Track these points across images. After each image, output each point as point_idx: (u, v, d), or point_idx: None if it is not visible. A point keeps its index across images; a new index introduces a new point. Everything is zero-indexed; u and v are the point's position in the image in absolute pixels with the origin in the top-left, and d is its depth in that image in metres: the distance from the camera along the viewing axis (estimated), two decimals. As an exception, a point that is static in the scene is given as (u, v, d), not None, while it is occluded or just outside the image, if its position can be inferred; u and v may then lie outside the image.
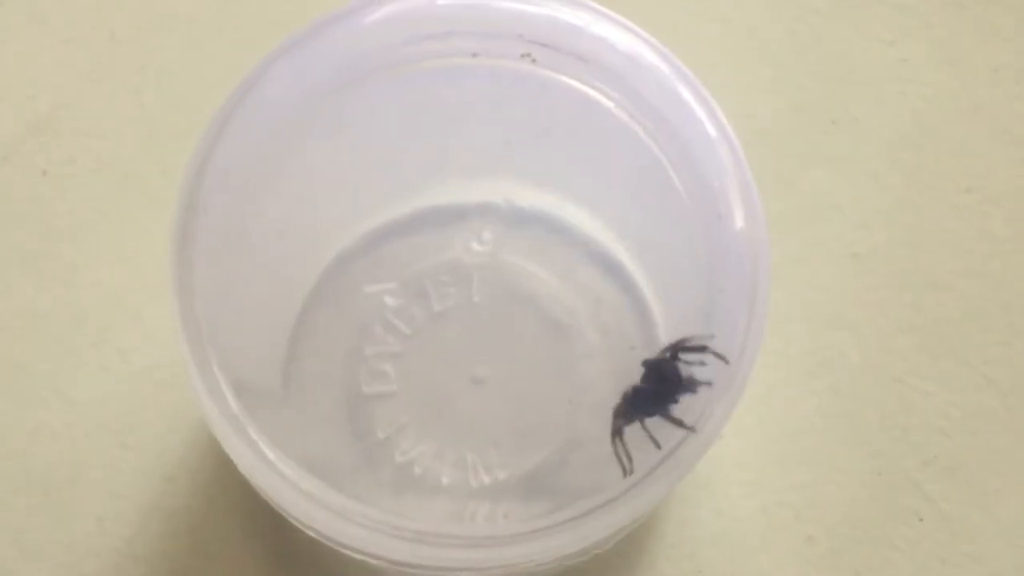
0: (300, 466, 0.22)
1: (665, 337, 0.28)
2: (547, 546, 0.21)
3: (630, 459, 0.23)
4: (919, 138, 0.33)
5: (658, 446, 0.22)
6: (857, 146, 0.33)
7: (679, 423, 0.22)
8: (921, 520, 0.29)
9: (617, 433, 0.23)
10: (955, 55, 0.34)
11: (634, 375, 0.28)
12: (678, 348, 0.23)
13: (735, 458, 0.29)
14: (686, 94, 0.25)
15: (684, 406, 0.23)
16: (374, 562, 0.22)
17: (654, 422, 0.23)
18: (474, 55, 0.25)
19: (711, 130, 0.24)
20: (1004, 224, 0.32)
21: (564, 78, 0.25)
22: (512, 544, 0.21)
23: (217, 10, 0.34)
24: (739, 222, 0.24)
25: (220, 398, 0.22)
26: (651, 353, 0.28)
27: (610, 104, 0.25)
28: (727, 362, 0.22)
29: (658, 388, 0.23)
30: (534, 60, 0.25)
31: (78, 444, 0.30)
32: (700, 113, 0.25)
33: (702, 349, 0.23)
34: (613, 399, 0.24)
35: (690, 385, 0.23)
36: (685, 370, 0.23)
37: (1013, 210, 0.32)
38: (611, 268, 0.29)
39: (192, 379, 0.22)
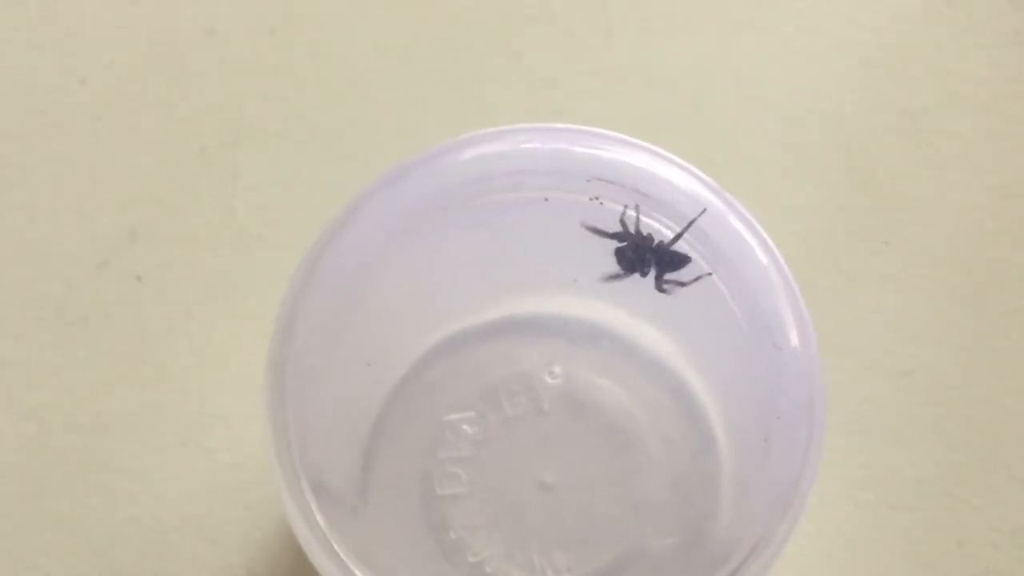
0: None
1: (724, 451, 0.30)
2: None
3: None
4: (968, 259, 0.34)
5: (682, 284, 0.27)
6: (908, 266, 0.34)
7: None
8: (973, 632, 0.30)
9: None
10: (1000, 180, 0.35)
11: (695, 482, 0.30)
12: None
13: (792, 569, 0.30)
14: (737, 224, 0.26)
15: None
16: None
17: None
18: (546, 199, 0.27)
19: (762, 258, 0.26)
20: (1051, 343, 0.33)
21: (630, 212, 0.27)
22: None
23: (301, 126, 0.36)
24: (793, 345, 0.25)
25: (308, 515, 0.24)
26: (711, 463, 0.30)
27: (670, 235, 0.27)
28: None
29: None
30: (602, 203, 0.27)
31: (165, 538, 0.31)
32: (752, 242, 0.26)
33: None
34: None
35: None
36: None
37: (1060, 330, 0.33)
38: (672, 382, 0.31)
39: (282, 493, 0.24)
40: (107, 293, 0.34)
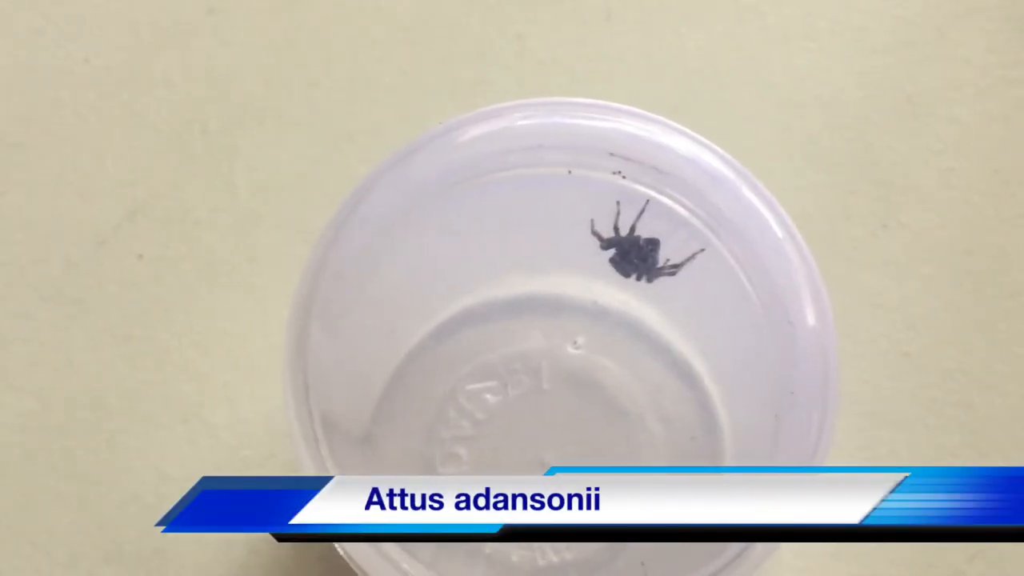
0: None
1: (727, 430, 0.30)
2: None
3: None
4: (966, 244, 0.34)
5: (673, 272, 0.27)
6: (906, 250, 0.34)
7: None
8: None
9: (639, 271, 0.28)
10: (1000, 165, 0.35)
11: (696, 463, 0.30)
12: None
13: (794, 550, 0.31)
14: (752, 198, 0.27)
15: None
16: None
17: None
18: (569, 171, 0.27)
19: (778, 231, 0.26)
20: (1049, 328, 0.33)
21: (642, 188, 0.27)
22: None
23: (301, 107, 0.36)
24: (809, 320, 0.25)
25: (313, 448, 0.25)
26: (713, 444, 0.30)
27: (684, 212, 0.27)
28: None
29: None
30: (624, 176, 0.27)
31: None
32: (767, 215, 0.26)
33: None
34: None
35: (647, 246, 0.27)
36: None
37: (1058, 315, 0.34)
38: (674, 361, 0.31)
39: (291, 426, 0.25)
40: (107, 271, 0.34)
